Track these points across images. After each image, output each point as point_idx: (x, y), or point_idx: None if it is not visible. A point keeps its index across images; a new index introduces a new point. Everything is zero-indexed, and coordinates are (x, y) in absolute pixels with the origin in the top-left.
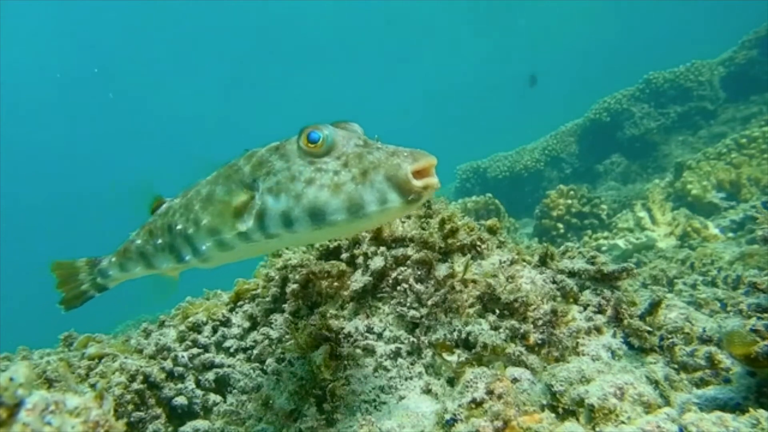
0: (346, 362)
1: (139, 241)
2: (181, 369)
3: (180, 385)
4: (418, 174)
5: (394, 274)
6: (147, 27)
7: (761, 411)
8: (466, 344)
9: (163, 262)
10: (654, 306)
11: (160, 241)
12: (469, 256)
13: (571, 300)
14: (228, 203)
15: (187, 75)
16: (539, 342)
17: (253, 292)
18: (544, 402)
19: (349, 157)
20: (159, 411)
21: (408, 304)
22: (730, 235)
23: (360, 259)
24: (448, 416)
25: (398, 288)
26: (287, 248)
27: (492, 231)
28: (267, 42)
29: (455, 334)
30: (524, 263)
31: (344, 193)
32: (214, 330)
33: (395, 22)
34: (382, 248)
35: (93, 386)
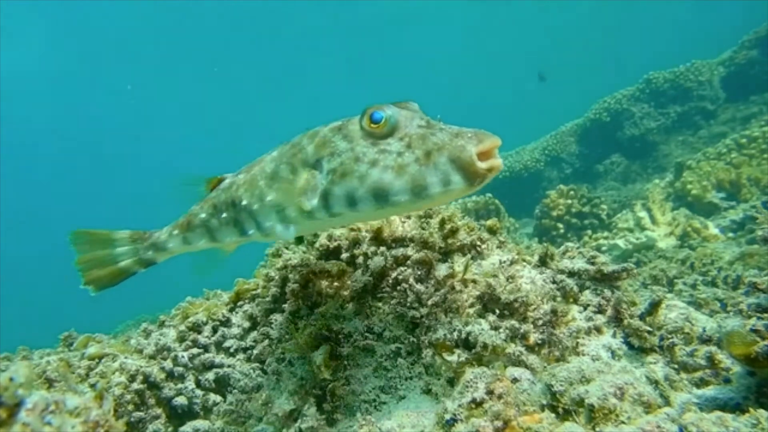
0: (346, 362)
1: (203, 215)
2: (181, 369)
3: (180, 385)
4: (482, 155)
5: (394, 274)
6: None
7: (761, 411)
8: (466, 344)
9: (226, 236)
10: (654, 306)
11: (224, 215)
12: (469, 256)
13: (571, 300)
14: (292, 182)
15: (189, 74)
16: (539, 342)
17: (253, 292)
18: (544, 402)
19: (413, 138)
20: (159, 411)
21: (408, 304)
22: (730, 235)
23: (360, 259)
24: (448, 416)
25: (398, 288)
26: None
27: (492, 231)
28: (265, 38)
29: (455, 334)
30: (524, 263)
31: (408, 174)
32: (214, 330)
33: (395, 21)
34: (382, 248)
35: (93, 386)
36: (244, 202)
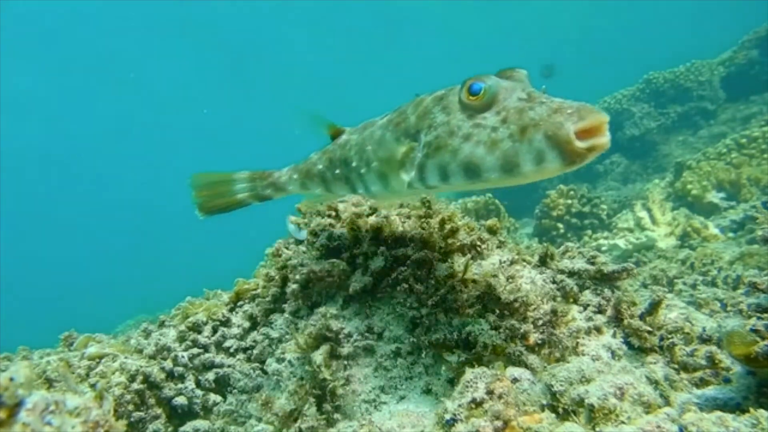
0: (346, 362)
1: (320, 167)
2: (181, 369)
3: (180, 385)
4: (585, 133)
5: (394, 274)
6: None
7: (761, 411)
8: (466, 344)
9: (339, 190)
10: (654, 306)
11: (338, 171)
12: (469, 256)
13: (571, 300)
14: (394, 152)
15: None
16: (539, 342)
17: (253, 292)
18: (544, 402)
19: (510, 112)
20: (159, 411)
21: (408, 304)
22: (730, 235)
23: (360, 259)
24: (448, 416)
25: (398, 288)
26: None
27: (492, 231)
28: (266, 38)
29: (455, 334)
30: (524, 263)
31: (500, 150)
32: (214, 330)
33: (396, 20)
34: (382, 248)
35: (93, 386)
36: (354, 164)
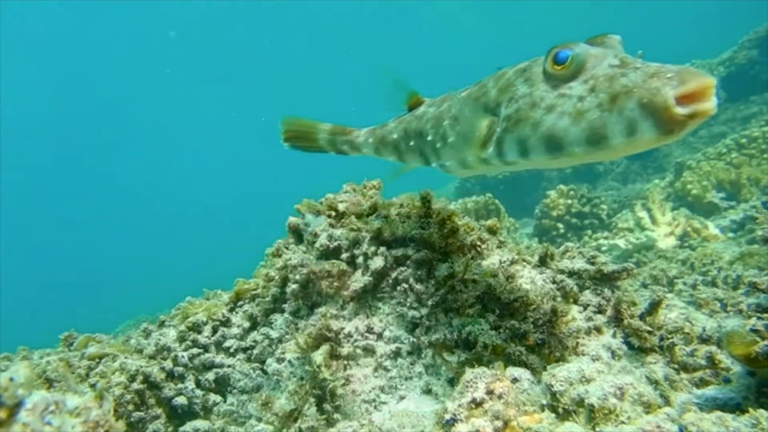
0: (346, 362)
1: (395, 136)
2: (181, 369)
3: (180, 385)
4: (686, 99)
5: (394, 274)
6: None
7: (761, 411)
8: (466, 344)
9: (412, 160)
10: (654, 306)
11: (412, 143)
12: (469, 256)
13: (571, 300)
14: (472, 127)
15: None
16: (539, 342)
17: (253, 292)
18: (544, 402)
19: (599, 80)
20: (159, 411)
21: (408, 304)
22: (730, 235)
23: (360, 259)
24: (448, 416)
25: (398, 288)
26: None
27: (492, 231)
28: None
29: (455, 334)
30: (524, 263)
31: (586, 121)
32: (214, 330)
33: (397, 19)
34: (382, 248)
35: (93, 386)
36: (429, 138)
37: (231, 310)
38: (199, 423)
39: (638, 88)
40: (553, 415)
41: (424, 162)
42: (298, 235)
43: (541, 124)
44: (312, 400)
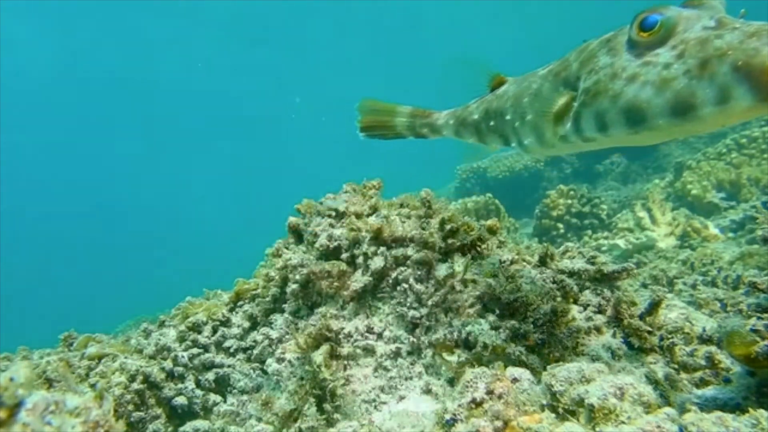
0: (346, 362)
1: (476, 116)
2: (181, 369)
3: (180, 385)
4: None
5: (394, 274)
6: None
7: (761, 411)
8: (466, 344)
9: (492, 141)
10: (654, 306)
11: (492, 123)
12: (469, 256)
13: (571, 300)
14: (551, 103)
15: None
16: (539, 342)
17: (253, 292)
18: (544, 402)
19: (689, 44)
20: (159, 411)
21: (408, 304)
22: (730, 235)
23: (360, 259)
24: (448, 416)
25: (398, 288)
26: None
27: (492, 231)
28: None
29: (455, 334)
30: (524, 263)
31: (671, 90)
32: (214, 330)
33: (398, 19)
34: (382, 248)
35: (93, 386)
36: (508, 117)
37: (231, 310)
38: (199, 423)
39: (733, 49)
40: (553, 415)
41: (503, 142)
42: (298, 235)
43: (622, 95)
44: (312, 400)
